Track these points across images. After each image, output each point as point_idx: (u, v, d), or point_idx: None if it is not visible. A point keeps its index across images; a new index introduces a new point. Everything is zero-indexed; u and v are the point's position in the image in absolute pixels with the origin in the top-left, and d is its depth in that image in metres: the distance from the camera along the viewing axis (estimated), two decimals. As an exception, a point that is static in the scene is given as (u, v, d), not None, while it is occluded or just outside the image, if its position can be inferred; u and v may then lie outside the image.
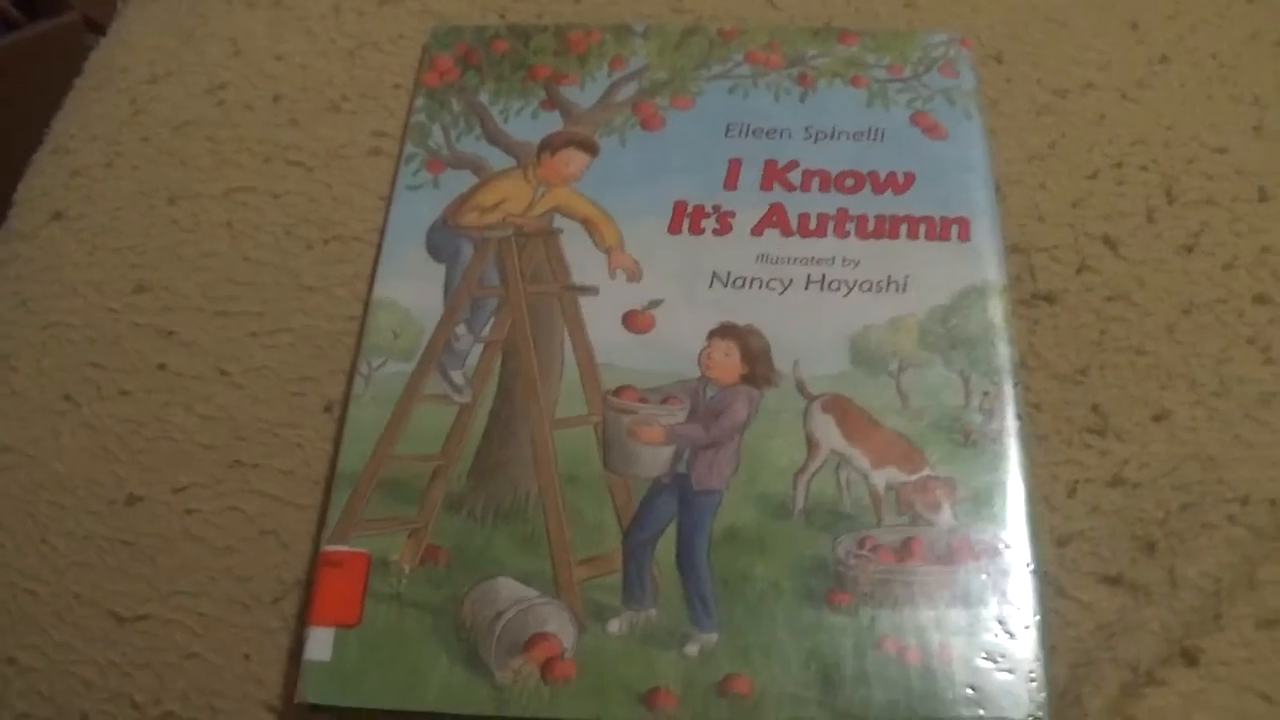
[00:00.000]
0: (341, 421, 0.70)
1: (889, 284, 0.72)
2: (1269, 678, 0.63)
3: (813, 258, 0.72)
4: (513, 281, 0.72)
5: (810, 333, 0.70)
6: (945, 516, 0.65)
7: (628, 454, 0.66)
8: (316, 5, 0.88)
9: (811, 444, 0.67)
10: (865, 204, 0.74)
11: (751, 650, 0.61)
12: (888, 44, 0.82)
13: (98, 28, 1.24)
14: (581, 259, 0.73)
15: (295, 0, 0.88)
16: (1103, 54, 0.84)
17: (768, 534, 0.64)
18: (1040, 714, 0.60)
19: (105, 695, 0.65)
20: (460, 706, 0.60)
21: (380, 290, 0.72)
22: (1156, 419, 0.70)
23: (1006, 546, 0.64)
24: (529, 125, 0.79)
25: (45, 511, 0.69)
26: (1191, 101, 0.82)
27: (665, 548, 0.64)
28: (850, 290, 0.71)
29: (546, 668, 0.61)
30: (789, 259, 0.72)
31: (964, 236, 0.73)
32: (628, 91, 0.80)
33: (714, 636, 0.62)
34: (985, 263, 0.72)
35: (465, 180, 0.76)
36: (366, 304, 0.73)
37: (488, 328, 0.71)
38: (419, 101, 0.81)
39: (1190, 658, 0.63)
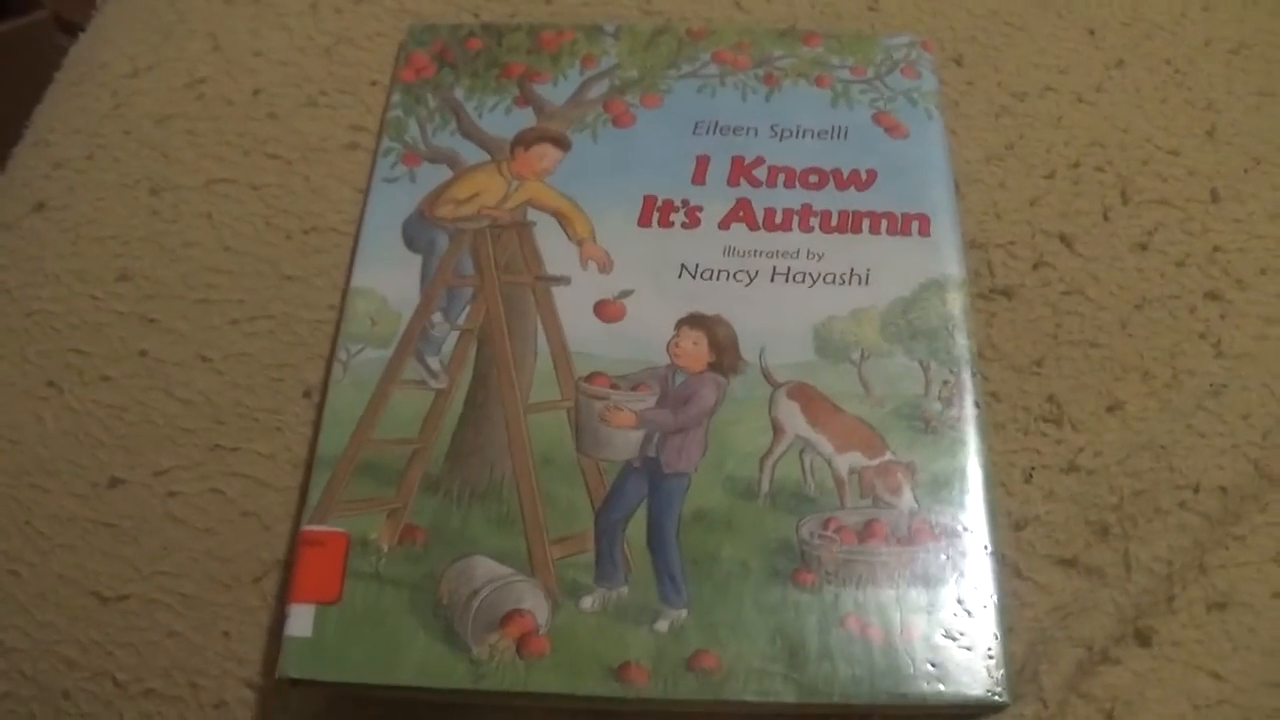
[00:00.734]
0: (320, 406, 0.71)
1: (851, 277, 0.73)
2: (1218, 657, 0.65)
3: (778, 251, 0.74)
4: (487, 271, 0.73)
5: (775, 323, 0.71)
6: (906, 500, 0.66)
7: (599, 438, 0.68)
8: (294, 2, 0.89)
9: (777, 429, 0.68)
10: (829, 200, 0.76)
11: (720, 627, 0.62)
12: (851, 46, 0.83)
13: (68, 26, 1.24)
14: (554, 250, 0.74)
15: (273, -3, 0.89)
16: (1060, 58, 0.86)
17: (735, 515, 0.66)
18: (998, 690, 0.61)
19: (88, 674, 0.66)
20: (438, 681, 0.61)
21: (358, 279, 0.73)
22: (1110, 409, 0.72)
23: (965, 529, 0.65)
24: (503, 121, 0.80)
25: (29, 495, 0.70)
26: (1146, 105, 0.84)
27: (636, 528, 0.65)
28: (814, 282, 0.73)
29: (521, 643, 0.62)
30: (755, 252, 0.74)
31: (924, 232, 0.75)
32: (599, 89, 0.81)
33: (683, 613, 0.63)
34: (945, 258, 0.74)
35: (441, 174, 0.77)
36: (344, 293, 0.74)
37: (463, 316, 0.72)
38: (395, 97, 0.81)
39: (1143, 638, 0.65)
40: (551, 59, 0.82)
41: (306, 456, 0.70)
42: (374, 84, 0.84)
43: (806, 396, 0.69)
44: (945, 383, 0.70)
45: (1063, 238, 0.78)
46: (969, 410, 0.69)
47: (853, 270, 0.73)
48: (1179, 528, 0.68)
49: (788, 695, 0.61)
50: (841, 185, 0.76)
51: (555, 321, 0.71)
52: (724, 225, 0.75)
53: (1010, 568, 0.67)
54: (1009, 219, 0.78)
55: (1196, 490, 0.69)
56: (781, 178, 0.77)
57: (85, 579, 0.68)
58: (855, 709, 0.62)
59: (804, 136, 0.79)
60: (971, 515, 0.66)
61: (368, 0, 0.89)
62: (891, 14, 0.88)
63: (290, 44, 0.86)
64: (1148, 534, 0.68)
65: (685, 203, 0.76)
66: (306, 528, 0.65)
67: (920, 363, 0.70)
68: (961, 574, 0.64)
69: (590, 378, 0.69)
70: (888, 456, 0.67)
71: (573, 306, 0.72)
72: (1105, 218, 0.79)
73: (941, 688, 0.61)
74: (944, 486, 0.67)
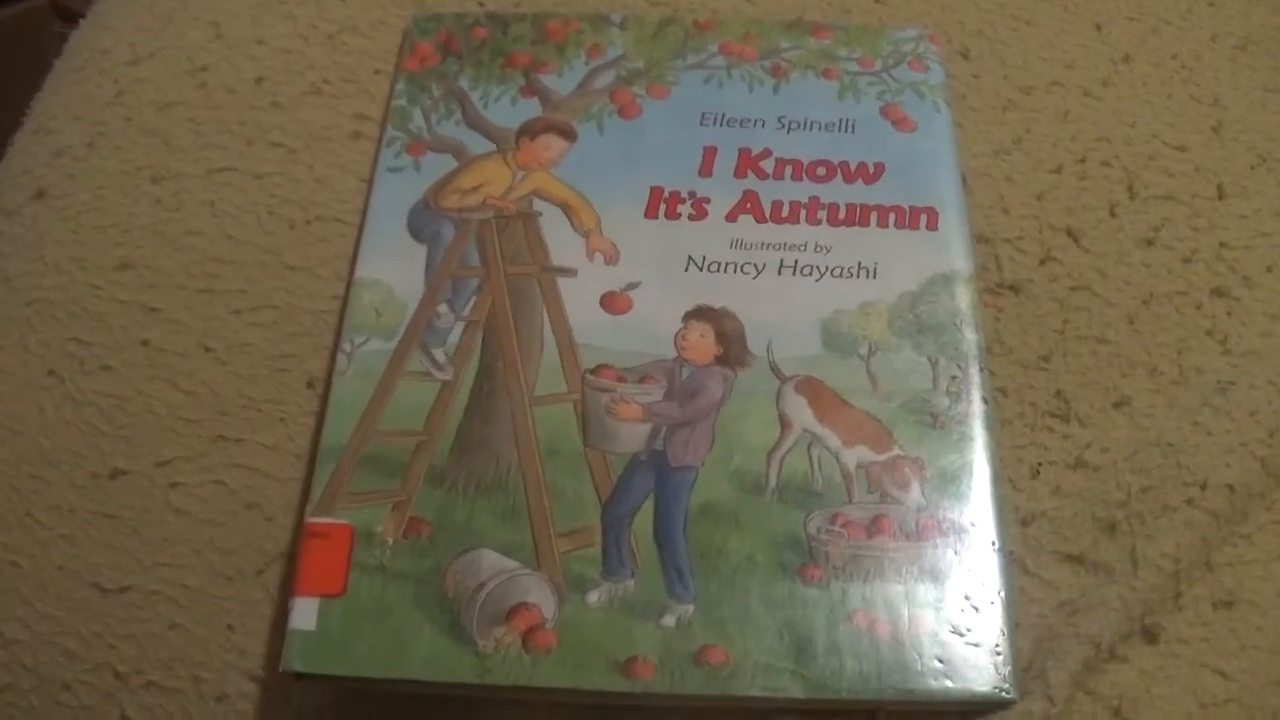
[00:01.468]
0: (324, 398, 0.70)
1: (859, 270, 0.73)
2: (1225, 655, 0.65)
3: (785, 244, 0.74)
4: (493, 262, 0.73)
5: (783, 316, 0.71)
6: (914, 495, 0.66)
7: (606, 430, 0.67)
8: (297, -10, 0.88)
9: (784, 423, 0.68)
10: (836, 193, 0.76)
11: (727, 621, 0.62)
12: (859, 38, 0.83)
13: (65, 13, 1.24)
14: (560, 242, 0.73)
15: (275, -15, 0.89)
16: (1067, 53, 0.86)
17: (742, 509, 0.65)
18: (1006, 686, 0.61)
19: (88, 666, 0.65)
20: (443, 675, 0.61)
21: (362, 269, 0.73)
22: (1117, 405, 0.72)
23: (972, 525, 0.65)
24: (508, 111, 0.79)
25: (29, 485, 0.70)
26: (1153, 101, 0.84)
27: (643, 522, 0.65)
28: (822, 276, 0.73)
29: (527, 637, 0.62)
30: (762, 245, 0.73)
31: (932, 226, 0.74)
32: (605, 80, 0.81)
33: (690, 608, 0.63)
34: (952, 252, 0.74)
35: (446, 163, 0.77)
36: (348, 283, 0.73)
37: (469, 307, 0.72)
38: (400, 86, 0.81)
39: (1150, 635, 0.65)
40: (557, 49, 0.82)
41: (310, 448, 0.70)
42: (378, 73, 0.84)
43: (814, 391, 0.69)
44: (953, 378, 0.70)
45: (1070, 232, 0.78)
46: (977, 405, 0.69)
47: (860, 264, 0.73)
48: (1186, 525, 0.68)
49: (795, 691, 0.61)
50: (849, 178, 0.76)
51: (561, 313, 0.71)
52: (731, 218, 0.75)
53: (1017, 564, 0.67)
54: (1016, 213, 0.78)
55: (1204, 488, 0.69)
56: (789, 170, 0.77)
57: (86, 570, 0.67)
58: (862, 704, 0.62)
59: (811, 129, 0.79)
60: (979, 511, 0.66)
61: (371, -13, 0.88)
62: (899, 7, 0.88)
63: (293, 32, 0.86)
64: (1155, 531, 0.68)
65: (692, 194, 0.75)
66: (310, 520, 0.65)
67: (928, 358, 0.70)
68: (969, 570, 0.64)
69: (597, 370, 0.69)
70: (895, 451, 0.67)
71: (579, 298, 0.71)
72: (1112, 213, 0.78)
73: (949, 684, 0.61)
74: (952, 482, 0.67)
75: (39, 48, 0.90)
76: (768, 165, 0.77)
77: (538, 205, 0.75)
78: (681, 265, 0.73)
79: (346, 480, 0.66)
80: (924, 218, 0.75)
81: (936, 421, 0.68)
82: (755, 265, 0.73)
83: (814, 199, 0.75)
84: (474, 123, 0.79)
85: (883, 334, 0.71)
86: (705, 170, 0.76)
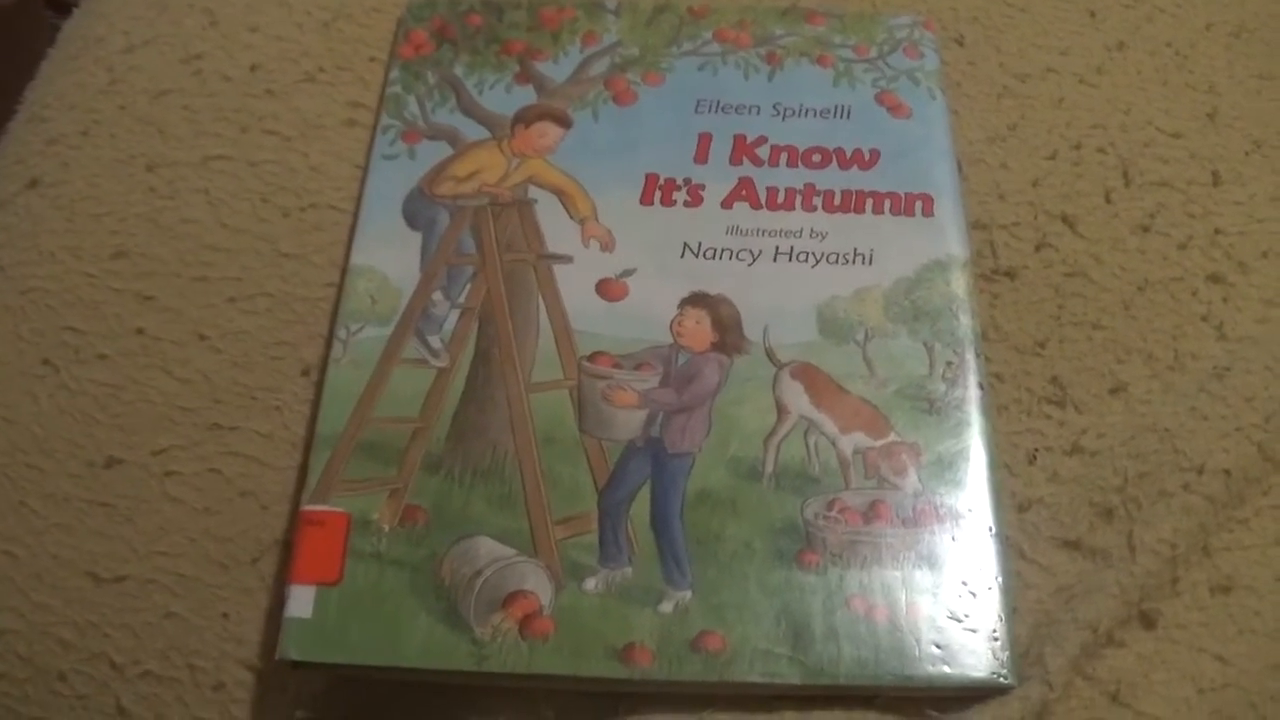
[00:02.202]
0: (319, 385, 0.70)
1: (855, 256, 0.73)
2: (1223, 640, 0.65)
3: (781, 230, 0.74)
4: (488, 249, 0.73)
5: (779, 302, 0.71)
6: (910, 481, 0.66)
7: (602, 417, 0.67)
8: (291, -22, 0.88)
9: (781, 409, 0.68)
10: (831, 179, 0.76)
11: (724, 608, 0.62)
12: (853, 25, 0.83)
13: (59, 4, 1.24)
14: (555, 229, 0.73)
15: (270, -27, 0.88)
16: (1062, 40, 0.86)
17: (739, 496, 0.65)
18: (1003, 672, 0.61)
19: (84, 655, 0.65)
20: (440, 662, 0.61)
21: (358, 257, 0.73)
22: (1113, 391, 0.72)
23: (969, 511, 0.65)
24: (503, 98, 0.79)
25: (24, 474, 0.69)
26: (1148, 88, 0.84)
27: (640, 508, 0.65)
28: (818, 262, 0.73)
29: (525, 624, 0.61)
30: (758, 231, 0.73)
31: (927, 212, 0.74)
32: (600, 67, 0.81)
33: (688, 594, 0.63)
34: (948, 238, 0.74)
35: (441, 151, 0.77)
36: (344, 270, 0.73)
37: (464, 294, 0.71)
38: (394, 73, 0.81)
39: (1148, 620, 0.65)
40: (552, 36, 0.82)
41: (305, 436, 0.70)
42: (373, 60, 0.84)
43: (810, 377, 0.69)
44: (949, 364, 0.70)
45: (1065, 219, 0.77)
46: (973, 391, 0.69)
47: (856, 250, 0.73)
48: (1183, 510, 0.67)
49: (793, 677, 0.61)
50: (844, 165, 0.76)
51: (557, 300, 0.71)
52: (727, 204, 0.75)
53: (1014, 549, 0.67)
54: (1012, 200, 0.78)
55: (1200, 473, 0.68)
56: (784, 157, 0.77)
57: (81, 559, 0.67)
58: (860, 690, 0.62)
59: (806, 116, 0.79)
60: (976, 497, 0.66)
61: (365, -25, 0.88)
62: (893, -7, 0.88)
63: (288, 19, 0.85)
64: (1151, 516, 0.67)
65: (687, 181, 0.75)
66: (306, 507, 0.65)
67: (924, 343, 0.70)
68: (966, 555, 0.64)
69: (593, 357, 0.69)
70: (892, 437, 0.67)
71: (575, 285, 0.71)
72: (1107, 199, 0.78)
73: (947, 669, 0.61)
74: (948, 468, 0.67)
75: (32, 37, 0.89)
76: (763, 152, 0.77)
77: (533, 192, 0.75)
78: (677, 252, 0.73)
79: (342, 468, 0.66)
80: (919, 204, 0.75)
81: (933, 407, 0.68)
82: (751, 252, 0.73)
83: (809, 185, 0.75)
84: (469, 110, 0.79)
85: (879, 320, 0.71)
86: (700, 157, 0.76)
